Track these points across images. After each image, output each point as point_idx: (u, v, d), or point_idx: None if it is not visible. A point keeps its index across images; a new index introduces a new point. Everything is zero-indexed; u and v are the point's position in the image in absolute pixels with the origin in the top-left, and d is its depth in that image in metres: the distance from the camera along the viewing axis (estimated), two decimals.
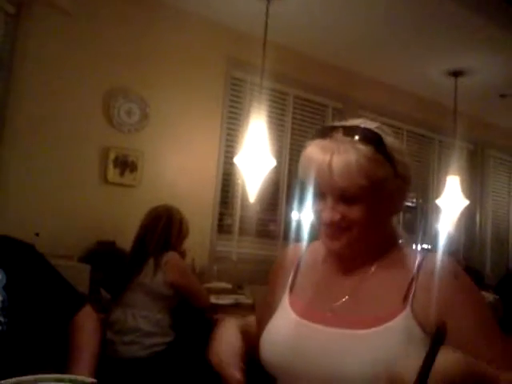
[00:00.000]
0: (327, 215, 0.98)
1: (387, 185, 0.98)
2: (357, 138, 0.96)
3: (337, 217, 0.98)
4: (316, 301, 1.05)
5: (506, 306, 4.22)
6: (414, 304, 0.95)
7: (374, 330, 0.93)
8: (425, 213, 5.19)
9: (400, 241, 1.08)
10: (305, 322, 1.02)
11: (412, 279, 0.97)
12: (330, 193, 0.98)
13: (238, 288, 3.46)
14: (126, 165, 3.34)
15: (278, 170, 3.62)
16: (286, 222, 4.10)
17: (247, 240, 3.92)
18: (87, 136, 3.27)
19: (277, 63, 3.58)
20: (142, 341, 2.48)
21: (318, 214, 1.01)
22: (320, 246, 1.13)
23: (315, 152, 0.98)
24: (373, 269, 1.03)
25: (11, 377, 0.96)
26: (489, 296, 4.30)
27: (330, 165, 0.94)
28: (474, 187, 5.55)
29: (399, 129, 4.95)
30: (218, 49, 3.81)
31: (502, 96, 4.86)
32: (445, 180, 4.56)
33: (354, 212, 0.97)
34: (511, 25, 3.69)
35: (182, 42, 3.64)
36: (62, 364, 1.34)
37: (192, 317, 2.68)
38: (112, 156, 3.30)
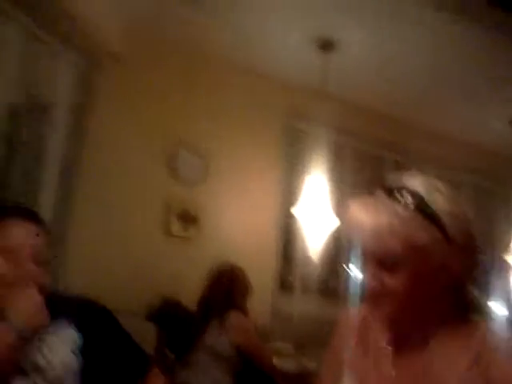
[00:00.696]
0: (366, 282, 0.91)
1: (434, 251, 0.86)
2: (394, 197, 0.89)
3: (375, 284, 0.90)
4: (381, 373, 0.96)
5: None
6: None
7: None
8: (494, 273, 4.88)
9: (468, 312, 0.95)
10: None
11: (474, 360, 0.85)
12: (368, 257, 0.91)
13: (299, 349, 3.30)
14: (188, 218, 3.35)
15: (339, 225, 3.51)
16: (351, 280, 3.93)
17: (309, 298, 3.78)
18: (151, 189, 3.32)
19: (337, 115, 3.55)
20: None
21: (363, 280, 0.94)
22: None
23: (352, 211, 0.92)
24: (430, 345, 0.91)
25: None
26: None
27: (363, 226, 0.88)
28: None
29: (462, 182, 4.75)
30: (278, 101, 3.83)
31: None
32: None
33: (395, 280, 0.88)
34: None
35: (242, 96, 3.69)
36: None
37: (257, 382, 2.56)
38: (175, 209, 3.32)
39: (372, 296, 0.92)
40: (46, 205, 2.92)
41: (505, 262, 4.39)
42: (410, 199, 0.88)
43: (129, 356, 1.44)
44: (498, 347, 0.85)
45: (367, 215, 0.88)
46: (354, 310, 1.10)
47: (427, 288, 0.89)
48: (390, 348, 0.97)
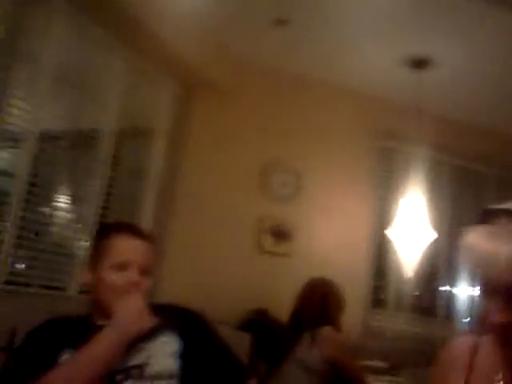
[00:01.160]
0: (496, 318, 0.82)
1: None
2: None
3: (509, 319, 0.81)
4: None
5: None
6: None
7: None
8: None
9: None
10: None
11: None
12: (499, 290, 0.82)
13: (392, 369, 3.20)
14: (280, 234, 3.41)
15: (436, 242, 3.38)
16: (448, 299, 3.77)
17: (403, 316, 3.68)
18: (244, 206, 3.44)
19: (430, 131, 3.45)
20: None
21: (485, 314, 0.85)
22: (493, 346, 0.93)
23: (477, 240, 0.84)
24: None
25: None
26: None
27: (496, 257, 0.80)
28: None
29: None
30: (368, 119, 3.82)
31: None
32: None
33: None
34: None
35: (331, 114, 3.72)
36: None
37: None
38: (267, 225, 3.41)
39: (503, 334, 0.84)
40: (145, 222, 3.15)
41: None
42: None
43: (227, 365, 1.48)
44: None
45: (500, 245, 0.80)
46: (470, 341, 1.03)
47: None
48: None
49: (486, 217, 0.87)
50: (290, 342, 2.54)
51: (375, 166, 3.81)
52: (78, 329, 1.33)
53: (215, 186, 3.38)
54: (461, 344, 1.05)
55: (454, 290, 3.73)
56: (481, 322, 0.88)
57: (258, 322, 2.97)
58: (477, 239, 0.84)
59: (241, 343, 2.14)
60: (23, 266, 2.71)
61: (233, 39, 3.32)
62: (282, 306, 2.75)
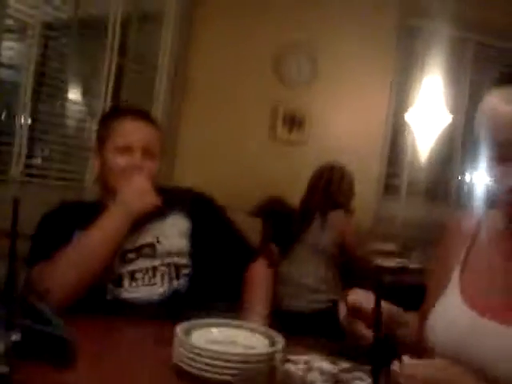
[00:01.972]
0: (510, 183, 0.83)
1: None
2: None
3: None
4: (491, 289, 0.91)
5: None
6: None
7: None
8: None
9: None
10: (471, 311, 0.90)
11: None
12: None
13: (404, 251, 3.31)
14: (294, 122, 3.37)
15: (453, 125, 3.31)
16: (460, 183, 3.78)
17: (416, 202, 3.71)
18: (258, 93, 3.36)
19: (456, 5, 3.22)
20: (306, 295, 2.53)
21: (501, 179, 0.85)
22: (498, 218, 0.97)
23: (498, 103, 0.83)
24: None
25: (196, 314, 1.02)
26: None
27: None
28: None
29: None
30: None
31: None
32: None
33: None
34: None
35: None
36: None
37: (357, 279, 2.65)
38: (281, 113, 3.36)
39: None
40: (158, 107, 3.12)
41: None
42: None
43: (235, 244, 1.53)
44: None
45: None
46: (475, 215, 1.05)
47: None
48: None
49: (504, 81, 0.87)
50: (301, 226, 2.62)
51: (395, 48, 3.61)
52: (89, 211, 1.38)
53: (228, 72, 3.28)
54: (465, 218, 1.07)
55: (468, 177, 3.72)
56: (495, 188, 0.88)
57: (271, 209, 3.05)
58: (495, 102, 0.85)
59: (252, 228, 2.20)
60: (39, 159, 2.75)
61: None
62: (296, 194, 2.80)
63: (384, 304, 0.97)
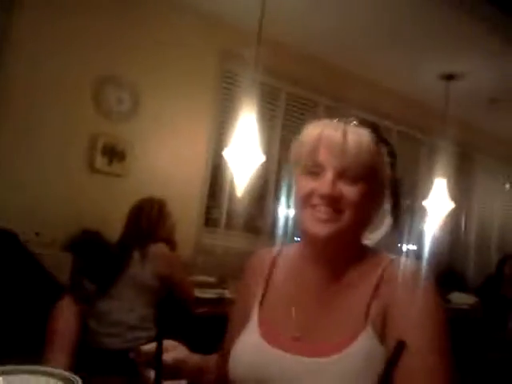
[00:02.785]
0: (326, 188, 0.92)
1: (378, 177, 0.96)
2: (365, 123, 0.97)
3: (336, 193, 0.92)
4: (281, 321, 0.98)
5: (485, 308, 4.29)
6: (375, 317, 0.89)
7: (334, 357, 0.88)
8: (411, 213, 5.21)
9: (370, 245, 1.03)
10: (268, 346, 0.95)
11: (375, 289, 0.92)
12: (334, 168, 0.93)
13: (222, 282, 3.44)
14: (114, 154, 3.31)
15: (267, 164, 3.61)
16: (274, 217, 4.09)
17: (234, 234, 3.91)
18: (76, 123, 3.24)
19: (271, 58, 3.56)
20: (125, 334, 2.46)
21: (309, 191, 0.94)
22: (295, 252, 1.06)
23: (323, 127, 0.96)
24: (346, 279, 0.97)
25: None
26: (469, 298, 4.36)
27: (342, 139, 0.92)
28: (461, 191, 5.58)
29: (390, 129, 4.96)
30: (211, 40, 3.78)
31: (492, 101, 4.90)
32: (432, 182, 4.58)
33: (353, 194, 0.92)
34: (502, 30, 3.72)
35: (174, 33, 3.60)
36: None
37: (176, 311, 2.67)
38: (100, 144, 3.27)
39: (325, 206, 0.93)
40: None
41: (423, 206, 4.70)
42: (373, 128, 0.96)
43: (39, 283, 1.46)
44: (394, 279, 0.91)
45: (347, 132, 0.93)
46: (272, 251, 1.12)
47: (368, 211, 0.97)
48: (314, 288, 0.99)
49: (328, 117, 1.00)
50: (120, 261, 2.56)
51: (216, 87, 3.83)
52: None
53: (45, 101, 3.10)
54: (262, 256, 1.12)
55: (281, 210, 4.04)
56: (300, 204, 0.97)
57: (86, 243, 2.93)
58: (321, 128, 0.96)
59: (61, 263, 2.10)
60: None
61: None
62: (115, 227, 2.73)
63: (192, 356, 1.00)
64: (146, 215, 2.64)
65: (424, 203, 4.58)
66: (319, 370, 0.88)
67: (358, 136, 0.94)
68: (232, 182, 3.43)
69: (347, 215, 0.93)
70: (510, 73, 4.23)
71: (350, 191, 0.92)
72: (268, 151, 3.84)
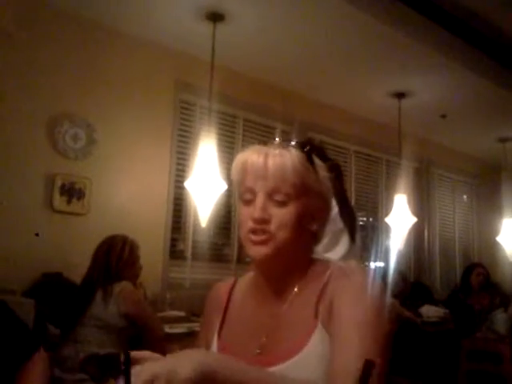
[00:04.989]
0: (257, 212, 0.97)
1: (314, 194, 1.00)
2: (291, 144, 1.01)
3: (267, 215, 0.97)
4: (241, 344, 1.02)
5: (455, 318, 4.36)
6: (324, 314, 0.94)
7: (292, 360, 0.92)
8: (375, 231, 5.29)
9: (314, 256, 1.07)
10: None
11: (322, 290, 0.97)
12: (262, 192, 0.98)
13: (192, 315, 3.37)
14: (73, 192, 3.23)
15: (229, 192, 3.60)
16: (240, 245, 4.07)
17: (201, 265, 3.85)
18: (31, 162, 3.16)
19: (225, 86, 3.60)
20: None
21: (245, 217, 0.99)
22: (250, 278, 1.10)
23: (249, 154, 1.01)
24: (295, 290, 1.01)
25: None
26: (439, 310, 4.42)
27: (265, 163, 0.97)
28: (421, 205, 5.72)
29: (346, 149, 5.07)
30: (165, 72, 3.79)
31: (443, 116, 5.08)
32: (393, 198, 4.67)
33: (283, 215, 0.97)
34: (450, 49, 3.89)
35: (127, 66, 3.60)
36: None
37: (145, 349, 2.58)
38: (58, 183, 3.19)
39: (259, 230, 0.97)
40: None
41: (384, 223, 4.77)
42: (301, 147, 1.00)
43: (15, 335, 1.40)
44: (341, 277, 0.96)
45: (269, 155, 0.98)
46: (228, 284, 1.15)
47: (302, 228, 0.99)
48: (267, 306, 1.02)
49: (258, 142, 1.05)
50: (83, 302, 2.47)
51: (173, 119, 3.83)
52: None
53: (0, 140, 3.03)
54: (219, 288, 1.16)
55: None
56: (241, 230, 1.01)
57: (49, 286, 2.83)
58: (247, 154, 1.01)
59: (23, 310, 2.01)
60: None
61: None
62: (77, 267, 2.66)
63: None
64: (116, 254, 2.57)
65: (387, 220, 4.65)
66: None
67: (280, 158, 0.97)
68: (195, 212, 3.40)
69: (281, 235, 0.97)
70: (457, 88, 4.42)
71: (280, 212, 0.97)
72: (230, 179, 3.83)
